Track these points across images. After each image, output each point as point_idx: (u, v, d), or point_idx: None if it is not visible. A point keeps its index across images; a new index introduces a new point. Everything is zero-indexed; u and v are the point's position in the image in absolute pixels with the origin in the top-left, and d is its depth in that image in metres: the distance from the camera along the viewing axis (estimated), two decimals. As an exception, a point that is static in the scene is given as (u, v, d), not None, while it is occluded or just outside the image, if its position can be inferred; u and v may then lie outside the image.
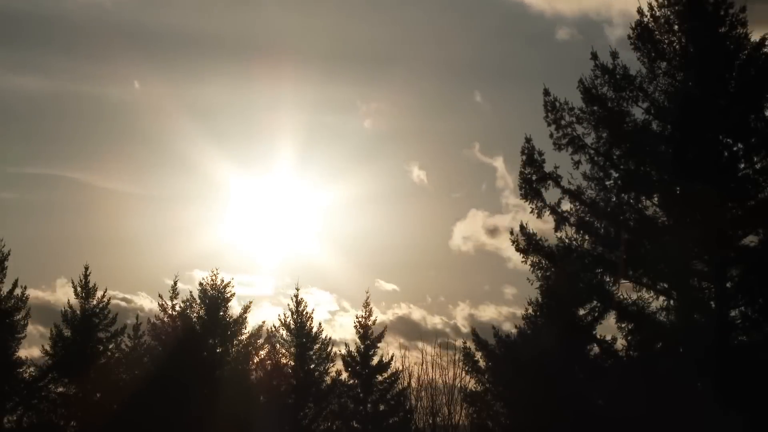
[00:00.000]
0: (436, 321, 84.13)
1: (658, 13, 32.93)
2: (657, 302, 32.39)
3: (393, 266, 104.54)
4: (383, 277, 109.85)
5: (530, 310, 38.69)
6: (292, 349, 52.07)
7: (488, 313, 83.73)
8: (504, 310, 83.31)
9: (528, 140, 33.69)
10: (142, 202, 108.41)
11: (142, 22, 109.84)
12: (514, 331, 39.91)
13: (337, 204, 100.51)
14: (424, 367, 55.91)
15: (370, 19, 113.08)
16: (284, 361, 52.24)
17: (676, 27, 32.83)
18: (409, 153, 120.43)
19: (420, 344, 78.24)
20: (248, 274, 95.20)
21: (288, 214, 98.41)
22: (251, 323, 52.06)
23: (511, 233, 33.85)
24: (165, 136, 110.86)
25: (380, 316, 49.32)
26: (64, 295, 78.61)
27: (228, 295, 51.32)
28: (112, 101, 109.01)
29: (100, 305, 51.05)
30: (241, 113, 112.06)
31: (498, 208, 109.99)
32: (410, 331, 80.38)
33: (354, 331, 52.50)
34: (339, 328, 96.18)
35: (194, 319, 51.08)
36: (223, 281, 51.40)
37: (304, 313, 52.52)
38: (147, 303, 75.40)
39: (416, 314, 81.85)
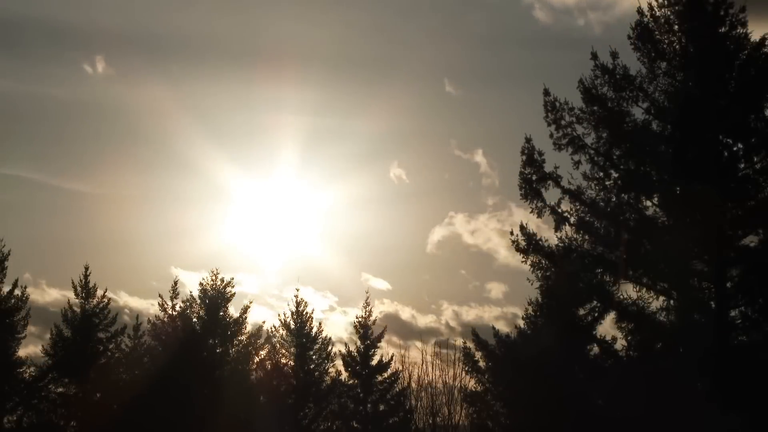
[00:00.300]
0: (428, 320, 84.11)
1: (658, 13, 32.90)
2: (657, 302, 32.35)
3: (382, 264, 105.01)
4: (373, 274, 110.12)
5: (530, 310, 38.74)
6: (292, 350, 52.09)
7: (473, 312, 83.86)
8: (490, 309, 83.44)
9: (528, 140, 33.69)
10: (138, 204, 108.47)
11: (145, 24, 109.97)
12: (508, 330, 40.02)
13: (332, 204, 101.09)
14: (424, 367, 56.07)
15: (370, 22, 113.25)
16: (284, 362, 52.26)
17: (676, 27, 32.80)
18: (397, 155, 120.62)
19: (418, 344, 78.34)
20: (235, 273, 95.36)
21: (284, 215, 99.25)
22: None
23: (511, 233, 33.86)
24: (167, 138, 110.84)
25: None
26: (39, 293, 78.76)
27: (228, 295, 51.35)
28: (114, 104, 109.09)
29: (100, 305, 51.11)
30: (241, 115, 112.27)
31: (485, 207, 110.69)
32: (401, 329, 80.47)
33: (345, 328, 52.74)
34: (331, 326, 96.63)
35: (194, 320, 51.09)
36: (223, 281, 51.45)
37: (304, 313, 52.57)
38: (132, 302, 75.77)
39: (404, 312, 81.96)
